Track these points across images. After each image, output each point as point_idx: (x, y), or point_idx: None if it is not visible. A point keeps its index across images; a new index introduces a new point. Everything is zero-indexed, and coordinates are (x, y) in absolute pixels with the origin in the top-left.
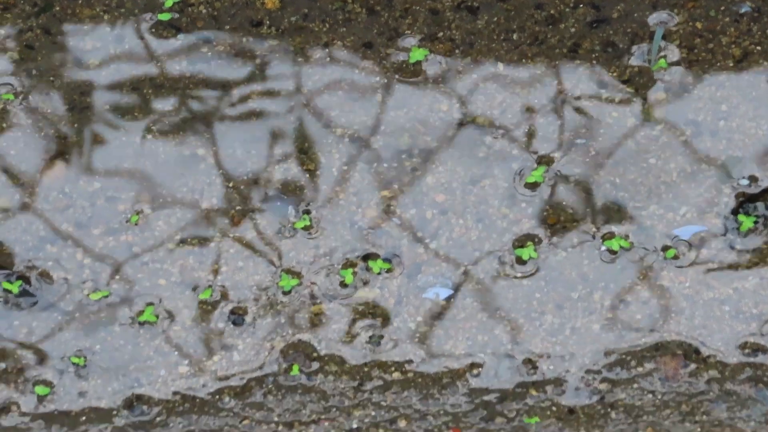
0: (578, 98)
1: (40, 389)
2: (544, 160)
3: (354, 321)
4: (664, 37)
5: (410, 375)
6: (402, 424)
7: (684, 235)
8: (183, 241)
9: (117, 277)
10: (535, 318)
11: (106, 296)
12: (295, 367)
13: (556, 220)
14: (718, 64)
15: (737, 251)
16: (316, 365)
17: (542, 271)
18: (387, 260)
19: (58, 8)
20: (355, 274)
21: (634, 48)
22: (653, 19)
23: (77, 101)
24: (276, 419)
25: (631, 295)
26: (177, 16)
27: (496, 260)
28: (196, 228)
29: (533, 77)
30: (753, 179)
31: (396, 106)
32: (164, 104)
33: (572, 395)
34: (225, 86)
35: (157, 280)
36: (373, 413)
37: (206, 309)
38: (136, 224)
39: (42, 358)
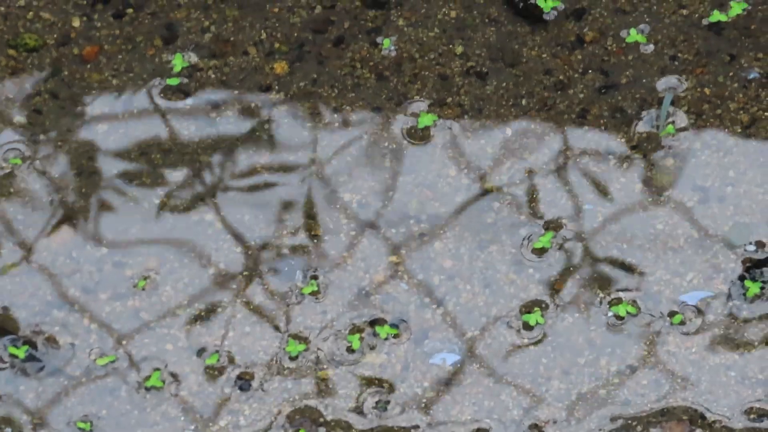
0: (586, 164)
1: None
2: (552, 226)
3: (361, 386)
4: (672, 103)
5: None
6: None
7: (691, 300)
8: (190, 306)
9: (124, 342)
10: (542, 383)
11: (113, 361)
12: None
13: (563, 286)
14: (726, 130)
15: (744, 317)
16: (322, 431)
17: (549, 337)
18: (394, 326)
19: (66, 73)
20: (362, 339)
21: (643, 114)
22: (662, 84)
23: (85, 166)
24: None
25: (638, 361)
26: (186, 80)
27: (503, 326)
28: (204, 293)
29: (542, 143)
30: (760, 245)
31: (404, 171)
32: (172, 169)
33: None
34: (233, 151)
35: (164, 345)
36: None
37: (213, 374)
38: (143, 289)
39: (48, 423)
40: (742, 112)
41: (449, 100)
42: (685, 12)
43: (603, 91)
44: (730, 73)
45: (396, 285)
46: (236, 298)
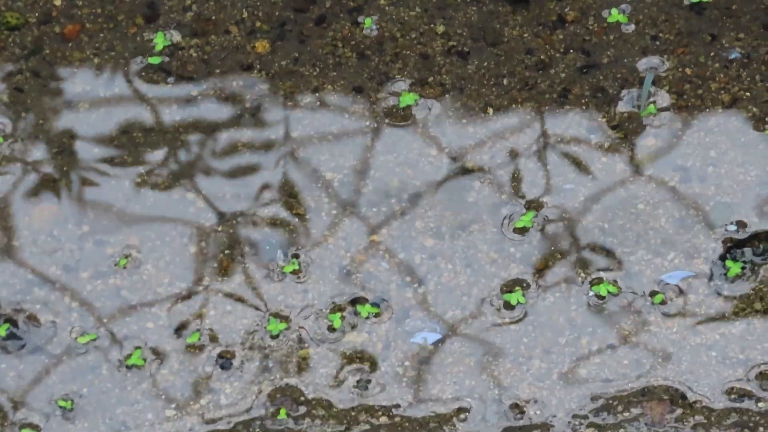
0: (567, 143)
1: None
2: (533, 206)
3: (341, 365)
4: (653, 83)
5: (397, 419)
6: None
7: (672, 280)
8: (171, 285)
9: (105, 320)
10: (523, 363)
11: (94, 339)
12: (283, 411)
13: (545, 266)
14: (708, 109)
15: (724, 297)
16: (303, 409)
17: (530, 316)
18: (375, 305)
19: (47, 51)
20: (343, 318)
21: (624, 93)
22: (643, 64)
23: (66, 144)
24: None
25: (619, 341)
26: (167, 59)
27: (484, 305)
28: (185, 272)
29: (523, 122)
30: (741, 225)
31: (385, 150)
32: (154, 148)
33: None
34: (215, 130)
35: (145, 324)
36: None
37: (194, 353)
38: (124, 268)
39: (29, 401)
40: (723, 92)
41: (431, 79)
42: None
43: (584, 70)
44: (712, 53)
45: (377, 264)
46: (217, 277)
